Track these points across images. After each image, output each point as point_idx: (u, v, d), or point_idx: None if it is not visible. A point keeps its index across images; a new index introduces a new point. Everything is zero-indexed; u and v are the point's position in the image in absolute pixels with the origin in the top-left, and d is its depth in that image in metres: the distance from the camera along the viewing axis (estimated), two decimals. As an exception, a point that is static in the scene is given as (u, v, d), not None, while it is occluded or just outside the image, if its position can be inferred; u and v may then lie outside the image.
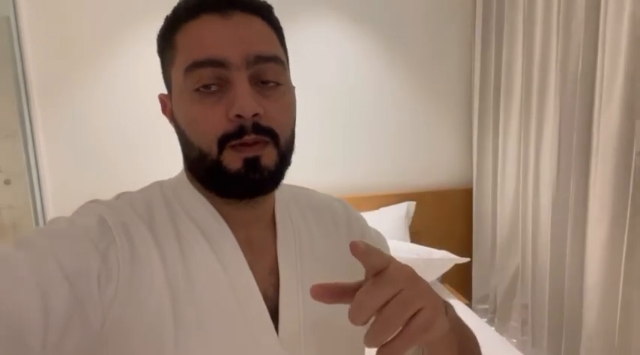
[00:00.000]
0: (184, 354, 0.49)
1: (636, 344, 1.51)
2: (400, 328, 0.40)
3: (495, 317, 2.29)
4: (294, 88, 0.57)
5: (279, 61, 0.53)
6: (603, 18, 1.55)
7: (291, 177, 0.58)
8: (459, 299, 2.10)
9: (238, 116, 0.49)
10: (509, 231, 2.17)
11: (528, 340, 2.05)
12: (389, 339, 0.40)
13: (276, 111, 0.52)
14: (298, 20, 2.16)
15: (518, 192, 2.10)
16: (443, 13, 2.34)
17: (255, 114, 0.49)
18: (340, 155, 2.31)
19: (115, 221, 0.51)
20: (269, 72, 0.52)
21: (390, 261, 0.43)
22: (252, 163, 0.50)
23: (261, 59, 0.51)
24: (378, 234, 0.75)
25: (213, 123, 0.50)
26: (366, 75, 2.29)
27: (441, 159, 2.45)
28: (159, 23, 0.56)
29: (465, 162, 2.47)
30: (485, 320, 2.30)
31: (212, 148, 0.50)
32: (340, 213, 0.70)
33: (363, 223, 0.73)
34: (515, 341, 2.12)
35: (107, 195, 0.59)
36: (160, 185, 0.60)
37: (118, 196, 0.58)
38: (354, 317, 0.40)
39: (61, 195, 2.02)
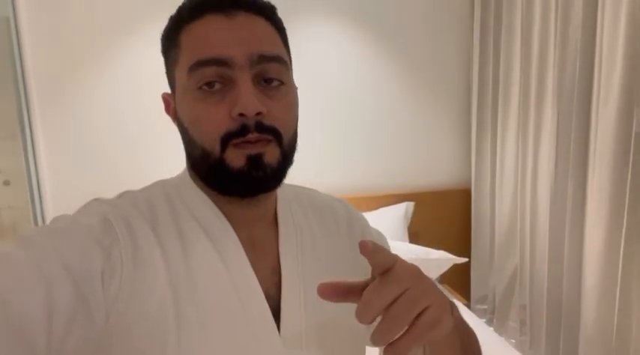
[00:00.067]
0: (186, 352, 0.49)
1: (634, 345, 1.51)
2: (406, 327, 0.41)
3: (494, 317, 2.30)
4: (296, 88, 0.58)
5: (282, 60, 0.53)
6: (600, 21, 1.56)
7: (291, 177, 0.58)
8: (458, 299, 2.11)
9: (241, 115, 0.49)
10: (507, 231, 2.18)
11: (527, 340, 2.06)
12: (395, 338, 0.41)
13: (279, 110, 0.53)
14: (298, 21, 2.16)
15: (516, 193, 2.10)
16: (442, 13, 2.34)
17: (258, 113, 0.50)
18: (339, 155, 2.32)
19: (118, 219, 0.51)
20: (272, 71, 0.52)
21: (396, 260, 0.43)
22: (255, 161, 0.51)
23: (264, 59, 0.51)
24: (379, 234, 0.75)
25: (216, 121, 0.50)
26: (365, 76, 2.30)
27: (439, 159, 2.46)
28: (159, 24, 0.56)
29: (463, 163, 2.48)
30: (484, 320, 2.31)
31: (215, 146, 0.51)
32: (341, 213, 0.70)
33: (364, 223, 0.73)
34: (513, 341, 2.13)
35: (106, 195, 0.59)
36: (162, 184, 0.60)
37: (121, 195, 0.58)
38: (362, 316, 0.41)
39: (61, 196, 2.02)
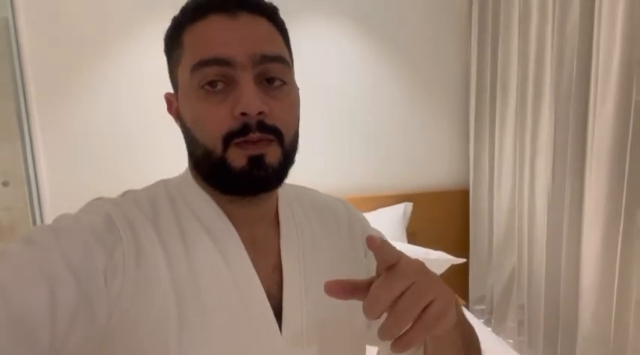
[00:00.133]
0: (188, 350, 0.49)
1: (632, 345, 1.52)
2: (412, 322, 0.41)
3: (492, 317, 2.30)
4: (298, 88, 0.58)
5: (284, 61, 0.54)
6: (597, 20, 1.57)
7: (291, 177, 0.58)
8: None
9: (243, 114, 0.50)
10: (505, 231, 2.19)
11: (525, 340, 2.06)
12: (402, 332, 0.41)
13: (281, 110, 0.53)
14: (299, 21, 2.16)
15: (514, 193, 2.11)
16: (440, 14, 2.35)
17: (260, 113, 0.50)
18: (338, 156, 2.32)
19: (121, 218, 0.52)
20: (274, 71, 0.53)
21: (401, 255, 0.44)
22: (257, 161, 0.51)
23: (266, 59, 0.52)
24: (380, 234, 0.76)
25: (218, 120, 0.51)
26: (363, 76, 2.30)
27: (437, 160, 2.46)
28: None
29: (461, 164, 2.49)
30: (482, 320, 2.31)
31: (217, 146, 0.51)
32: (342, 213, 0.71)
33: (364, 223, 0.73)
34: (511, 341, 2.13)
35: (106, 196, 0.59)
36: (164, 183, 0.60)
37: (123, 194, 0.58)
38: (369, 311, 0.41)
39: (59, 197, 2.02)
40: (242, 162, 0.51)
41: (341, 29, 2.24)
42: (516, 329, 2.13)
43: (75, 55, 1.98)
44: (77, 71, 1.99)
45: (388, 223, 2.16)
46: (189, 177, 0.59)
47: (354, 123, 2.32)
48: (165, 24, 0.57)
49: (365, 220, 0.74)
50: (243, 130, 0.50)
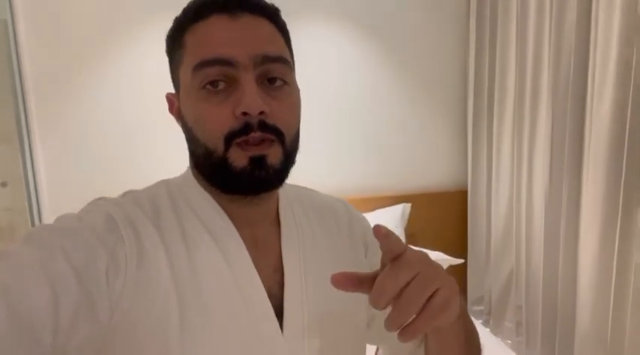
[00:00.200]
0: (189, 350, 0.49)
1: (629, 345, 1.52)
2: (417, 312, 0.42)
3: (490, 318, 2.30)
4: (299, 89, 0.59)
5: (285, 61, 0.54)
6: (594, 19, 1.57)
7: (290, 177, 0.59)
8: (455, 300, 2.11)
9: (244, 114, 0.50)
10: (503, 232, 2.19)
11: (523, 341, 2.07)
12: (408, 322, 0.42)
13: (282, 110, 0.53)
14: (299, 21, 2.16)
15: (512, 194, 2.11)
16: (439, 15, 2.36)
17: (262, 112, 0.50)
18: (336, 157, 2.32)
19: (122, 218, 0.52)
20: (276, 72, 0.53)
21: (406, 247, 0.44)
22: (259, 162, 0.51)
23: (268, 59, 0.52)
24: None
25: (219, 120, 0.51)
26: (362, 77, 2.30)
27: (436, 161, 2.47)
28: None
29: (459, 164, 2.49)
30: (481, 321, 2.32)
31: (218, 145, 0.51)
32: (342, 213, 0.71)
33: (365, 224, 0.74)
34: (510, 342, 2.14)
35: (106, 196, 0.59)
36: (165, 183, 0.61)
37: (124, 194, 0.59)
38: (376, 301, 0.42)
39: (58, 198, 2.01)
40: (243, 162, 0.51)
41: (340, 30, 2.25)
42: (514, 329, 2.13)
43: (75, 56, 1.98)
44: (77, 71, 1.99)
45: (386, 224, 2.14)
46: (191, 177, 0.59)
47: (353, 124, 2.32)
48: (166, 24, 0.57)
49: (365, 220, 0.75)
50: (245, 130, 0.50)
